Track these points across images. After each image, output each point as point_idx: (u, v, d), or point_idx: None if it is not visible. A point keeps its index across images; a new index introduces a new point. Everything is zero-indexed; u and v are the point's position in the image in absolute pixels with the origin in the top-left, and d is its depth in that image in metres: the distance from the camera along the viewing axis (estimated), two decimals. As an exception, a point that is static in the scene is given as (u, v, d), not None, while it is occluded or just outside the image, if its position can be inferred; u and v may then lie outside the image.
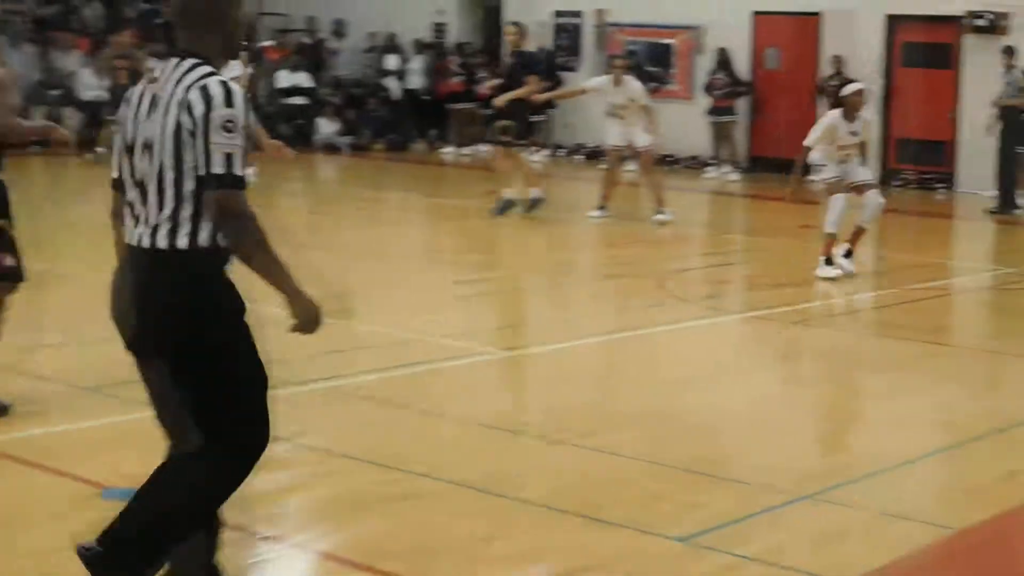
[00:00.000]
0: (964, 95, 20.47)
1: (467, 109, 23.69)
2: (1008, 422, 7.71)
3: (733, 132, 22.26)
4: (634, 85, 15.91)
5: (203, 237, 4.19)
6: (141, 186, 4.26)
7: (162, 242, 4.19)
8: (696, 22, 22.92)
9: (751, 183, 21.33)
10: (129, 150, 4.32)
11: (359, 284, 11.76)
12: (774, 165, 22.34)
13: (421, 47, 25.31)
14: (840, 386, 8.70)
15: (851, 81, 20.93)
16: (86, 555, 4.22)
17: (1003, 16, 20.06)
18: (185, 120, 4.15)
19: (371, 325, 9.32)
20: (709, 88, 22.15)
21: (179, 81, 4.21)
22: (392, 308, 10.26)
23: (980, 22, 20.11)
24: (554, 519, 5.84)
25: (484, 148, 23.95)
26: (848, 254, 12.43)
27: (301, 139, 22.01)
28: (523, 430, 7.19)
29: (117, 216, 4.50)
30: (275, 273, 4.23)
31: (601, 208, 15.86)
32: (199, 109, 4.14)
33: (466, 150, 23.68)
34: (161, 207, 4.20)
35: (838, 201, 12.26)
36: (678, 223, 15.60)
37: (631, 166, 19.11)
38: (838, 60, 21.22)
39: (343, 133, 24.11)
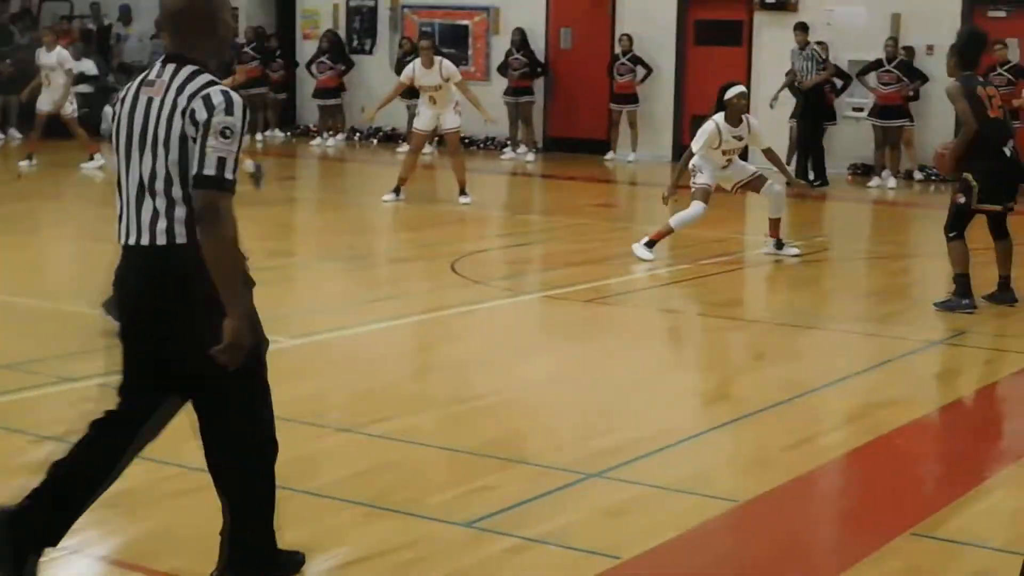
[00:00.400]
0: (756, 72, 20.80)
1: (259, 94, 23.28)
2: (795, 391, 7.78)
3: (531, 113, 22.26)
4: (447, 65, 15.70)
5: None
6: (130, 186, 4.43)
7: (161, 239, 4.37)
8: (491, 3, 22.87)
9: (548, 164, 21.38)
10: (127, 147, 4.45)
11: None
12: (570, 145, 22.48)
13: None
14: (633, 363, 8.66)
15: (642, 62, 21.27)
16: None
17: (792, -7, 20.41)
18: (189, 128, 4.32)
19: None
20: (505, 69, 22.11)
21: (181, 89, 4.37)
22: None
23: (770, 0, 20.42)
24: (340, 508, 5.68)
25: (278, 133, 23.73)
26: (779, 245, 12.46)
27: (88, 128, 21.33)
28: (316, 420, 6.99)
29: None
30: (231, 283, 4.33)
31: (396, 192, 15.66)
32: (201, 116, 4.31)
33: (259, 136, 23.30)
34: (156, 206, 4.37)
35: (696, 208, 12.17)
36: (475, 205, 15.51)
37: (428, 149, 19.05)
38: (628, 39, 21.36)
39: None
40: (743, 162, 12.69)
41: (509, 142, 22.21)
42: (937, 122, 18.91)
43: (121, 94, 4.56)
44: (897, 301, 11.14)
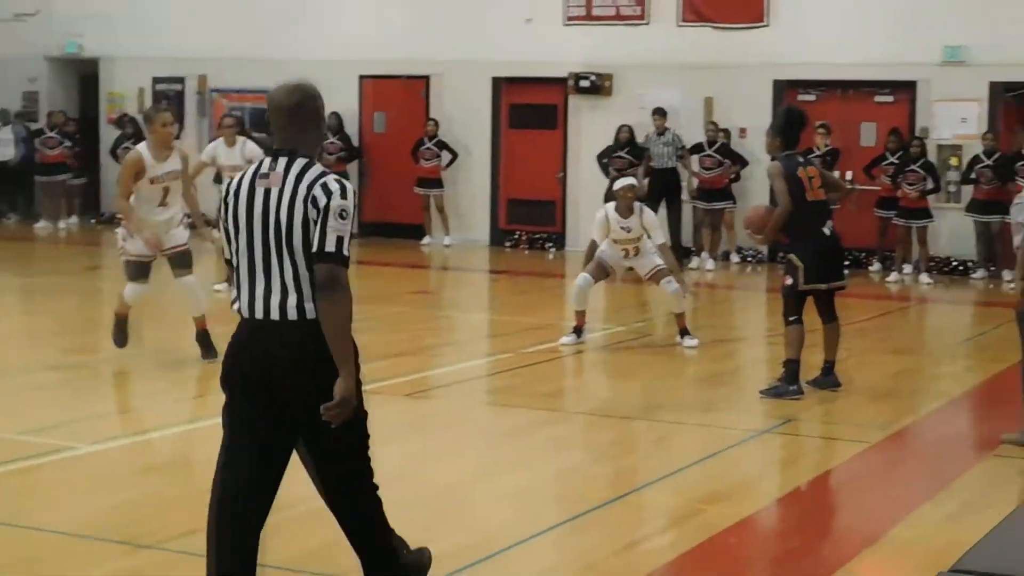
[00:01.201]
0: (571, 155, 20.75)
1: (59, 181, 22.51)
2: (623, 489, 7.45)
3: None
4: (251, 146, 14.80)
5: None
6: (255, 267, 4.94)
7: (292, 315, 4.90)
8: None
9: (364, 249, 20.92)
10: (248, 234, 4.93)
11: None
12: (384, 230, 22.09)
13: (7, 116, 23.77)
14: (457, 461, 8.22)
15: (445, 146, 21.01)
16: None
17: (607, 77, 20.43)
18: (311, 212, 4.87)
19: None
20: (321, 154, 21.67)
21: (299, 178, 4.92)
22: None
23: (584, 83, 20.42)
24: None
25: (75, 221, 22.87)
26: (682, 333, 12.17)
27: None
28: (107, 536, 6.41)
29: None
30: (345, 348, 4.89)
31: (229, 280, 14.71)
32: (322, 201, 4.87)
33: (62, 224, 22.46)
34: (284, 283, 4.90)
35: (578, 279, 12.00)
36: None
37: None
38: (434, 123, 21.12)
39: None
40: (650, 255, 12.21)
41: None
42: (758, 203, 19.04)
43: (232, 188, 5.02)
44: (721, 387, 10.94)
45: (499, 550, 6.39)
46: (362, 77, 22.18)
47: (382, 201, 22.31)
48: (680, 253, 18.99)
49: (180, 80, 23.37)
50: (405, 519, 6.85)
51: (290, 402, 4.96)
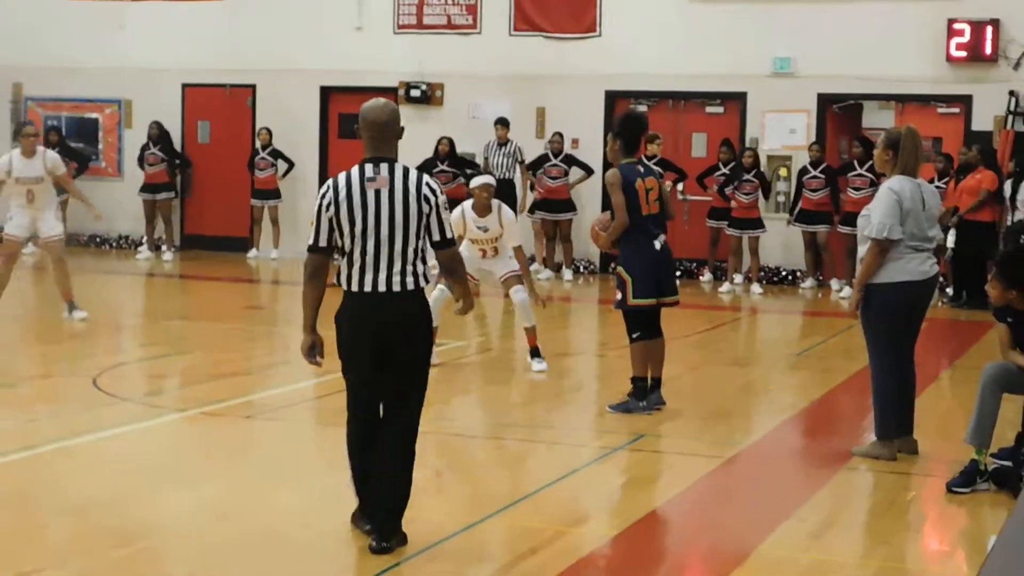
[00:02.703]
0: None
1: None
2: (478, 514, 7.14)
3: (169, 210, 21.20)
4: (52, 156, 13.91)
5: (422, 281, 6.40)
6: (380, 253, 6.24)
7: (410, 286, 6.30)
8: (122, 95, 21.79)
9: (188, 263, 20.36)
10: (363, 228, 6.23)
11: None
12: (209, 243, 21.53)
13: None
14: (302, 490, 7.84)
15: (283, 156, 20.56)
16: (383, 549, 6.38)
17: (438, 86, 20.20)
18: (424, 207, 6.31)
19: None
20: (142, 163, 21.01)
21: (405, 180, 6.30)
22: None
23: (415, 92, 20.15)
24: None
25: None
26: (532, 354, 11.61)
27: None
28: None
29: (317, 276, 6.39)
30: (464, 284, 6.83)
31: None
32: (432, 199, 6.34)
33: None
34: (406, 264, 6.29)
35: (435, 291, 11.20)
36: (111, 311, 14.37)
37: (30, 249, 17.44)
38: (268, 132, 20.67)
39: None
40: (507, 258, 11.66)
41: (145, 241, 21.07)
42: (596, 211, 19.08)
43: (340, 193, 6.26)
44: (567, 404, 10.75)
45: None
46: (184, 85, 21.59)
47: (207, 212, 21.75)
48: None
49: (-9, 87, 22.50)
50: (252, 553, 6.51)
51: (398, 350, 6.31)
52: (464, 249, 11.45)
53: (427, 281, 6.40)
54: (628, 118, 10.07)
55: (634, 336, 9.93)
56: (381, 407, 6.54)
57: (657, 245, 9.86)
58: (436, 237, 6.39)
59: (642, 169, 10.00)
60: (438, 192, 6.37)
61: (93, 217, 14.91)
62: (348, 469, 6.77)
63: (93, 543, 6.58)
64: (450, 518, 7.01)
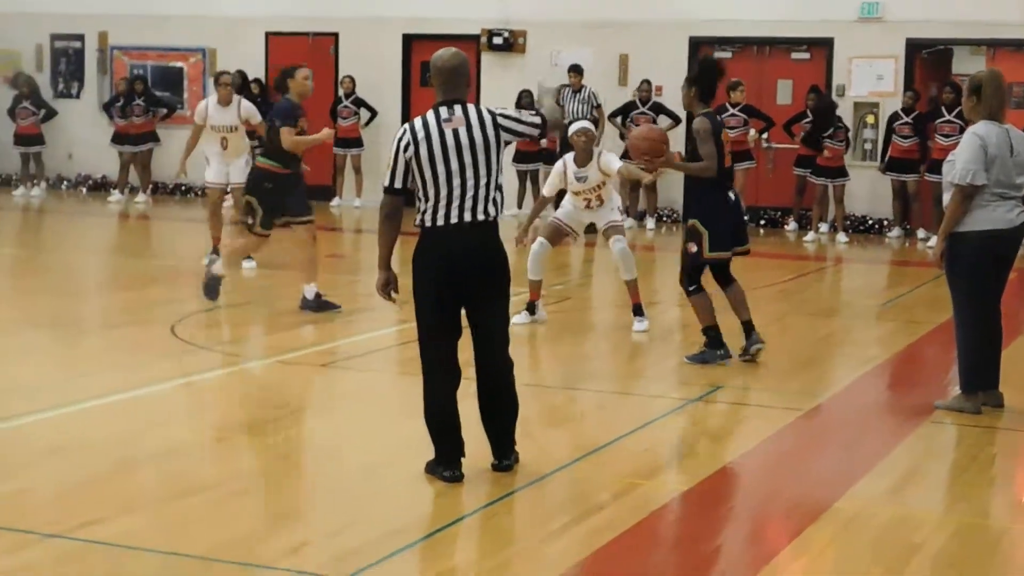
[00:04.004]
0: (483, 114, 20.34)
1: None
2: (554, 464, 7.09)
3: (255, 158, 21.24)
4: (247, 104, 14.12)
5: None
6: (465, 186, 6.56)
7: (491, 214, 6.65)
8: (207, 44, 21.85)
9: (273, 211, 20.39)
10: (445, 166, 6.54)
11: None
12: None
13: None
14: (378, 439, 7.82)
15: (366, 104, 20.56)
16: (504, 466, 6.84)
17: (520, 34, 20.06)
18: (503, 135, 6.67)
19: None
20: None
21: (480, 117, 6.64)
22: None
23: (497, 40, 20.02)
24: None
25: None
26: (635, 311, 11.19)
27: None
28: (17, 524, 5.96)
29: (392, 217, 6.70)
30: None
31: (216, 252, 13.89)
32: (505, 124, 6.69)
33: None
34: (487, 196, 6.61)
35: (534, 247, 11.08)
36: (194, 258, 14.43)
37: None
38: (351, 80, 20.67)
39: None
40: (612, 208, 11.26)
41: (231, 190, 21.14)
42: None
43: (418, 134, 6.57)
44: (644, 356, 10.65)
45: (425, 535, 6.06)
46: (268, 34, 21.61)
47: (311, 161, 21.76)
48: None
49: (79, 38, 22.63)
50: (316, 501, 6.51)
51: (479, 277, 6.65)
52: (567, 203, 11.30)
53: (501, 212, 6.69)
54: (705, 66, 9.86)
55: (691, 289, 9.80)
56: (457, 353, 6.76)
57: (732, 197, 9.74)
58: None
59: (720, 119, 9.85)
60: (503, 112, 6.77)
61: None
62: (415, 422, 6.76)
63: (170, 490, 6.60)
64: (522, 468, 6.95)
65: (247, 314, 12.05)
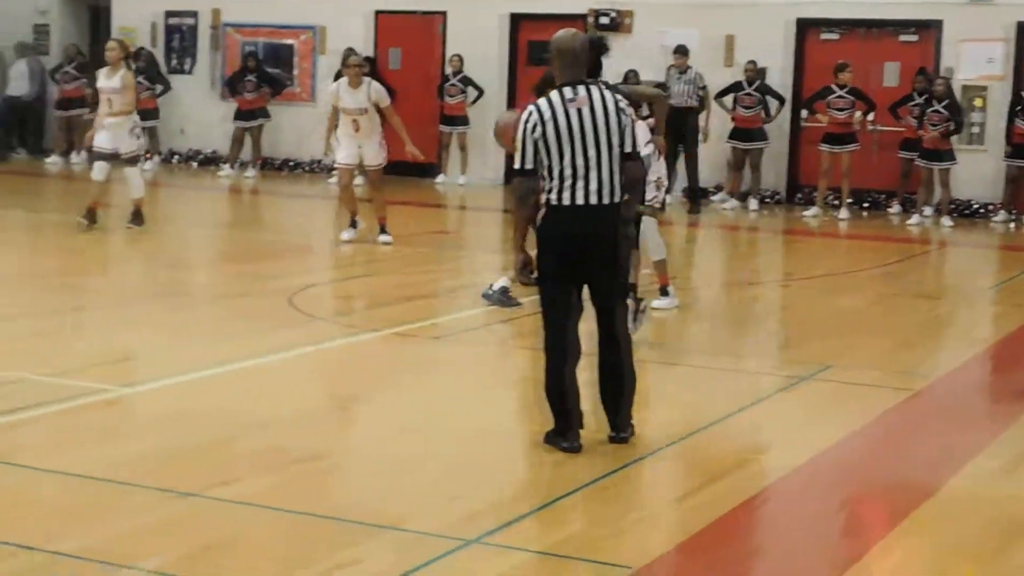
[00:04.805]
0: (590, 94, 20.42)
1: (77, 115, 22.18)
2: (665, 439, 7.25)
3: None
4: (376, 87, 14.08)
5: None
6: (588, 166, 6.68)
7: (617, 197, 6.77)
8: (316, 22, 22.16)
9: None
10: (570, 145, 6.68)
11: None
12: (394, 168, 21.77)
13: (24, 50, 23.55)
14: (492, 408, 8.02)
15: (472, 83, 20.73)
16: (621, 438, 7.00)
17: (627, 14, 20.13)
18: (624, 120, 6.77)
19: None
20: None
21: (602, 99, 6.74)
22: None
23: (604, 20, 20.11)
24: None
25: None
26: (661, 291, 11.02)
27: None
28: (142, 483, 6.23)
29: (526, 198, 6.80)
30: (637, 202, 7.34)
31: (353, 225, 14.30)
32: (627, 113, 6.82)
33: (74, 159, 22.19)
34: (612, 176, 6.74)
35: (647, 224, 10.61)
36: (305, 233, 14.74)
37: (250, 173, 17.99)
38: (459, 59, 20.87)
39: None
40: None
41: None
42: (785, 142, 19.01)
43: (544, 115, 6.69)
44: (748, 333, 10.75)
45: (539, 505, 6.22)
46: (377, 12, 21.86)
47: (396, 138, 21.97)
48: (698, 194, 18.81)
49: (193, 14, 23.04)
50: (436, 468, 6.71)
51: (601, 258, 6.79)
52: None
53: (624, 194, 6.80)
54: (591, 44, 9.75)
55: None
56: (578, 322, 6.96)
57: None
58: (627, 149, 6.79)
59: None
60: (628, 109, 6.86)
61: (407, 152, 14.54)
62: (540, 388, 6.94)
63: (283, 457, 6.80)
64: (637, 441, 7.08)
65: (363, 287, 12.31)
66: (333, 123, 14.34)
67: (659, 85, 18.39)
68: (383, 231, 14.15)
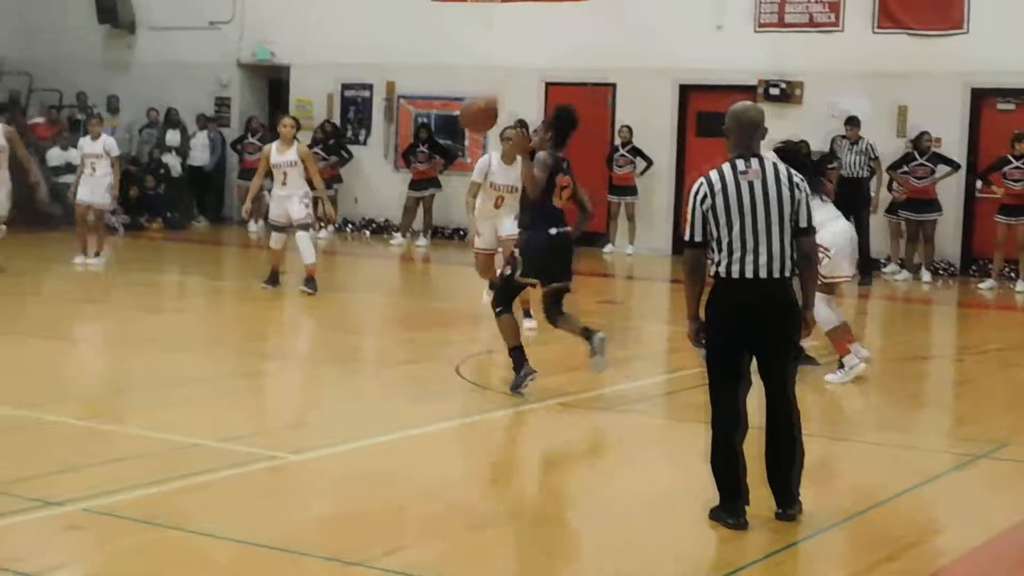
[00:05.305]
0: (758, 164, 20.34)
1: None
2: (839, 515, 7.11)
3: (528, 203, 21.76)
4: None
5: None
6: (758, 240, 6.64)
7: (787, 272, 6.72)
8: (488, 92, 22.40)
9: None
10: (740, 218, 6.64)
11: (131, 380, 10.82)
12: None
13: (205, 121, 24.33)
14: (651, 480, 7.97)
15: (641, 153, 20.81)
16: (788, 515, 6.87)
17: (797, 84, 20.04)
18: (797, 195, 6.72)
19: (141, 428, 8.41)
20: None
21: (776, 173, 6.71)
22: (167, 408, 9.30)
23: (774, 91, 20.04)
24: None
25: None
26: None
27: (71, 218, 20.78)
28: (311, 551, 6.32)
29: (696, 270, 6.83)
30: (814, 287, 7.04)
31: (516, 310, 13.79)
32: (801, 188, 6.74)
33: (252, 227, 22.74)
34: (782, 252, 6.67)
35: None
36: (474, 301, 14.85)
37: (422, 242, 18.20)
38: (628, 129, 20.97)
39: (118, 212, 22.93)
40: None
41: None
42: (959, 212, 18.76)
43: (715, 187, 6.67)
44: (920, 408, 10.53)
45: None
46: (547, 84, 22.08)
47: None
48: (869, 265, 18.53)
49: (368, 87, 23.55)
50: (601, 541, 6.68)
51: (770, 333, 6.75)
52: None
53: (796, 269, 6.76)
54: (562, 113, 10.10)
55: (499, 311, 10.06)
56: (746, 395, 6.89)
57: (554, 233, 9.98)
58: (803, 224, 6.73)
59: (565, 165, 10.10)
60: (804, 183, 6.78)
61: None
62: (706, 462, 6.88)
63: (450, 525, 6.85)
64: (805, 519, 6.98)
65: (529, 356, 12.33)
66: (472, 203, 13.46)
67: (828, 154, 18.25)
68: (527, 315, 13.21)
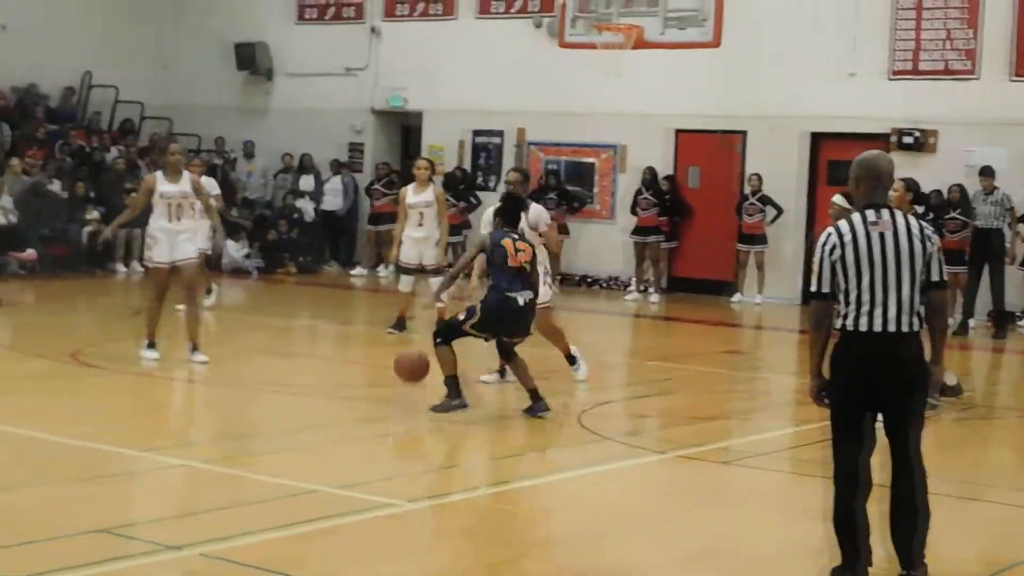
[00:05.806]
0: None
1: (386, 230, 23.03)
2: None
3: (658, 253, 21.73)
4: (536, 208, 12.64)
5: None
6: (887, 292, 6.52)
7: (915, 326, 6.57)
8: (618, 140, 22.49)
9: (673, 305, 20.72)
10: (869, 270, 6.52)
11: (256, 424, 10.96)
12: (694, 286, 21.84)
13: (338, 167, 24.68)
14: (778, 537, 7.87)
15: (771, 202, 20.65)
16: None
17: (931, 133, 19.75)
18: (929, 247, 6.59)
19: (268, 475, 8.51)
20: (635, 208, 21.64)
21: (906, 225, 6.59)
22: (288, 453, 9.41)
23: (907, 139, 19.78)
24: None
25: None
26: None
27: (208, 262, 21.16)
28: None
29: (822, 323, 6.69)
30: (943, 344, 6.80)
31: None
32: (932, 241, 6.61)
33: (382, 272, 22.98)
34: (911, 307, 6.54)
35: None
36: (598, 350, 14.82)
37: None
38: (758, 178, 20.84)
39: (252, 256, 23.34)
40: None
41: (634, 282, 21.66)
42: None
43: (844, 238, 6.54)
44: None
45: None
46: (677, 131, 22.05)
47: (693, 256, 22.08)
48: (1004, 318, 18.16)
49: (499, 133, 23.70)
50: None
51: (897, 389, 6.56)
52: None
53: (924, 324, 6.62)
54: (509, 199, 11.37)
55: (438, 342, 10.90)
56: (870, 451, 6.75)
57: (515, 298, 10.76)
58: (935, 278, 6.61)
59: (516, 236, 10.98)
60: (935, 235, 6.67)
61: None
62: (827, 520, 6.77)
63: (590, 572, 6.82)
64: (931, 579, 6.85)
65: (653, 406, 12.30)
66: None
67: (944, 203, 17.97)
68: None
